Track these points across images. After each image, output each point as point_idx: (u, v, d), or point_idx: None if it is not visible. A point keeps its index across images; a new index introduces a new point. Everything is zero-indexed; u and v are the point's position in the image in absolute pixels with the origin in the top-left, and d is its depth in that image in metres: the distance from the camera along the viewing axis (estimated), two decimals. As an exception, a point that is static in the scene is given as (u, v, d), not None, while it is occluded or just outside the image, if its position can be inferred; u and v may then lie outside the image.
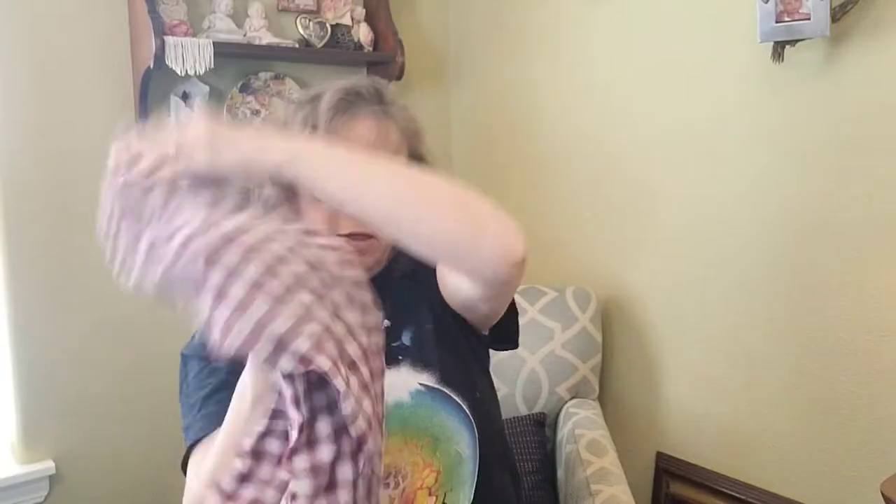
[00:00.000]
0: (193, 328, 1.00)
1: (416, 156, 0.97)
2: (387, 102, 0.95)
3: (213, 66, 1.71)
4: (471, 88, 2.16)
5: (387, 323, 0.92)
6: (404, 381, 0.93)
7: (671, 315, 1.64)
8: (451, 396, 0.93)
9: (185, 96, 1.79)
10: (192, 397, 0.92)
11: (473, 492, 0.90)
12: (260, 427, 0.63)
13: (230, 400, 0.82)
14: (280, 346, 0.56)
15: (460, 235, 0.72)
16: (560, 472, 1.51)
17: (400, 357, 0.94)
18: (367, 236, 0.92)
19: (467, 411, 0.93)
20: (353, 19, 1.99)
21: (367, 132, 0.90)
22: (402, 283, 1.03)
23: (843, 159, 1.32)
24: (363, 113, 0.91)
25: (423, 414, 0.91)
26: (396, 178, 0.73)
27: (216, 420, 0.79)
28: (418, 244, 0.72)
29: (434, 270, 1.04)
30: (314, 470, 0.59)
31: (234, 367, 0.87)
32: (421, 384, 0.93)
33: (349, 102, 0.91)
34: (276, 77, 1.93)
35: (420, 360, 0.94)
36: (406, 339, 0.97)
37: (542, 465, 1.54)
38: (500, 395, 1.11)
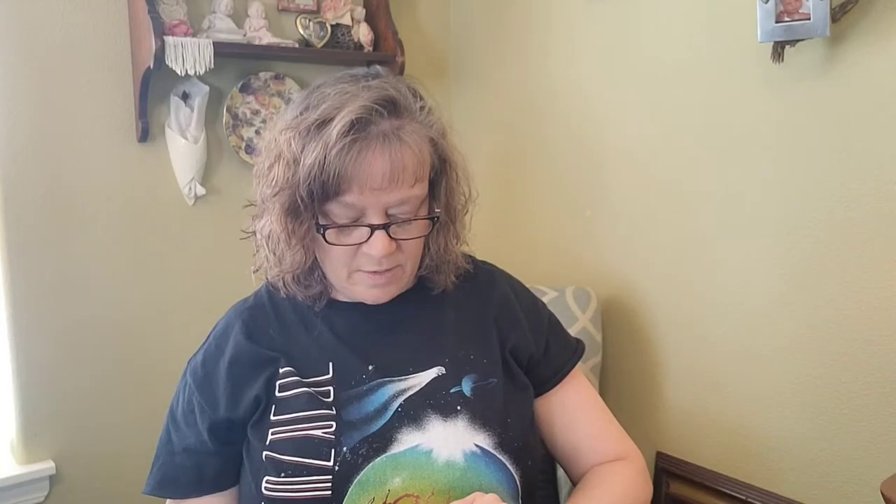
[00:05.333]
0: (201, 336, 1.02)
1: (443, 158, 0.93)
2: (401, 114, 0.87)
3: (213, 66, 1.71)
4: (471, 88, 2.16)
5: (441, 371, 0.92)
6: (460, 438, 0.88)
7: (671, 315, 1.64)
8: (504, 464, 0.90)
9: (185, 96, 1.79)
10: (178, 425, 0.96)
11: None
12: None
13: (203, 465, 0.92)
14: None
15: None
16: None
17: (458, 408, 0.90)
18: (396, 267, 0.90)
19: (518, 482, 0.92)
20: (353, 19, 1.99)
21: (378, 171, 0.83)
22: (465, 309, 0.99)
23: (843, 159, 1.32)
24: (374, 146, 0.83)
25: (473, 478, 0.87)
26: None
27: (183, 482, 0.93)
28: None
29: (514, 305, 1.03)
30: None
31: (214, 428, 0.92)
32: (477, 445, 0.89)
33: (359, 130, 0.83)
34: (276, 77, 1.93)
35: (480, 417, 0.90)
36: (466, 388, 0.92)
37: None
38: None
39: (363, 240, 0.86)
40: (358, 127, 0.82)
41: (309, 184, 0.83)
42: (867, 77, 1.28)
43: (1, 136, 1.60)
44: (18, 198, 1.63)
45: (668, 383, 1.67)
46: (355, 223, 0.86)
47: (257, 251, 0.96)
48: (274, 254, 0.91)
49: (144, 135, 1.75)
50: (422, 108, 0.90)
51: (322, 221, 0.87)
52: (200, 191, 1.83)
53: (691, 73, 1.55)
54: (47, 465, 1.68)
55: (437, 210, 0.93)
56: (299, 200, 0.85)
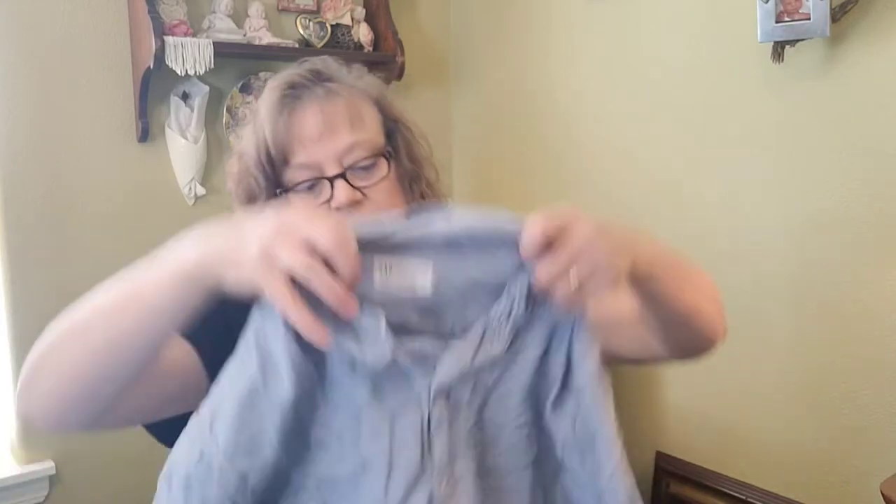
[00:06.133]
0: None
1: (391, 118, 0.91)
2: (330, 79, 0.87)
3: (213, 66, 1.71)
4: (471, 88, 2.16)
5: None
6: None
7: (671, 315, 1.64)
8: None
9: (185, 96, 1.79)
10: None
11: None
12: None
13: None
14: None
15: (714, 330, 0.82)
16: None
17: None
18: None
19: None
20: (353, 19, 1.99)
21: (312, 122, 0.84)
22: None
23: (843, 159, 1.32)
24: (304, 104, 0.85)
25: None
26: (687, 274, 0.80)
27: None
28: (679, 334, 0.81)
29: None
30: None
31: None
32: None
33: (287, 98, 0.85)
34: (276, 77, 1.93)
35: None
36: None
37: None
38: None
39: (328, 197, 0.86)
40: (288, 94, 0.85)
41: (259, 161, 0.85)
42: (867, 77, 1.28)
43: (1, 136, 1.60)
44: (18, 198, 1.63)
45: (668, 384, 1.67)
46: (314, 180, 0.85)
47: None
48: None
49: (144, 135, 1.75)
50: (356, 75, 0.90)
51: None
52: (200, 191, 1.83)
53: (691, 73, 1.55)
54: (47, 465, 1.68)
55: (388, 149, 0.89)
56: (255, 183, 0.87)
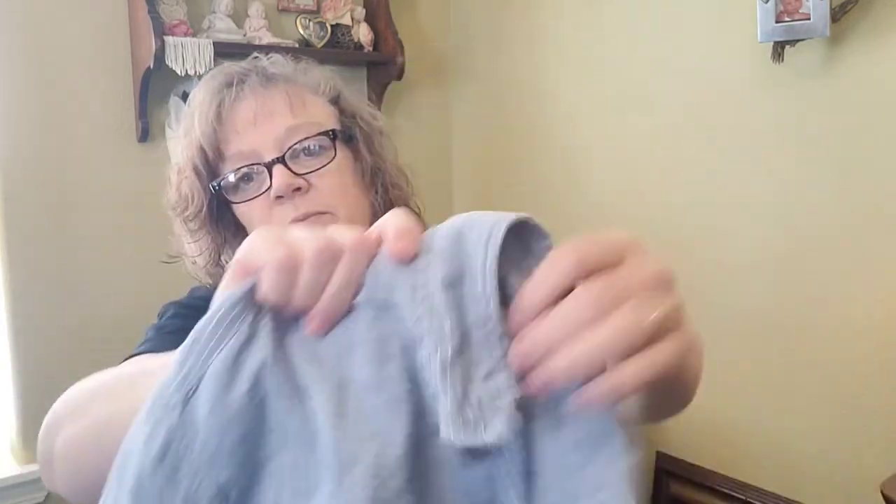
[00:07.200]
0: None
1: (346, 112, 0.82)
2: (270, 67, 0.80)
3: (213, 66, 1.71)
4: (471, 89, 2.16)
5: None
6: None
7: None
8: None
9: (185, 96, 1.79)
10: (151, 331, 0.84)
11: None
12: None
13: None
14: None
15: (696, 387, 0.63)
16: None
17: None
18: (322, 213, 0.76)
19: None
20: (353, 19, 1.99)
21: (247, 107, 0.75)
22: None
23: (843, 159, 1.32)
24: (240, 92, 0.76)
25: None
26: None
27: (167, 343, 0.67)
28: (673, 403, 0.64)
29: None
30: None
31: None
32: None
33: (221, 86, 0.77)
34: (276, 77, 1.93)
35: None
36: None
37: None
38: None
39: (267, 187, 0.75)
40: (222, 83, 0.77)
41: (192, 160, 0.77)
42: (867, 77, 1.28)
43: (1, 135, 1.60)
44: (18, 198, 1.63)
45: (668, 383, 1.67)
46: (250, 167, 0.76)
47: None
48: (195, 263, 0.86)
49: (144, 135, 1.75)
50: (303, 69, 0.82)
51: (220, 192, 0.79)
52: (200, 191, 1.83)
53: (691, 73, 1.55)
54: (47, 465, 1.68)
55: (337, 130, 0.79)
56: (187, 186, 0.80)
